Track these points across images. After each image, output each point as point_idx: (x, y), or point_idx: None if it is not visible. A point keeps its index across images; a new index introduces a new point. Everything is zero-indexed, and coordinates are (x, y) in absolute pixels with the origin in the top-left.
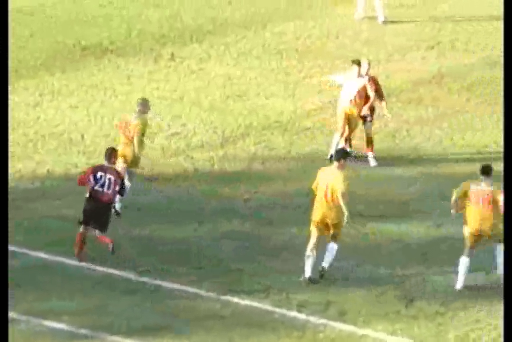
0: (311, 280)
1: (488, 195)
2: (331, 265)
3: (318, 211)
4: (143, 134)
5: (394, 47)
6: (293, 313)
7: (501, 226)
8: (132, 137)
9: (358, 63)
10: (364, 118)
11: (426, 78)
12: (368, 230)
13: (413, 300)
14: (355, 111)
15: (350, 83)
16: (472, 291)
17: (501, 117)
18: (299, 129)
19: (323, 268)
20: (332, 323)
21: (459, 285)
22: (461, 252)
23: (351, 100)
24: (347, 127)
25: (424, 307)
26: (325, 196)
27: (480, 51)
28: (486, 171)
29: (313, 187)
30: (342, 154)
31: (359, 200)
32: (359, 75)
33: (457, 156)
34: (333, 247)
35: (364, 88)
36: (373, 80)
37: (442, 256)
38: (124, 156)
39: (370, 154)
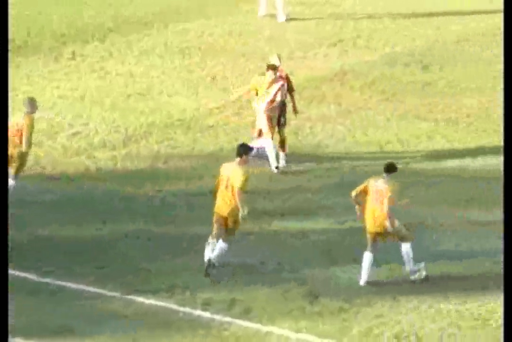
0: (207, 270)
1: (382, 192)
2: (218, 261)
3: (218, 204)
4: (30, 134)
5: (296, 45)
6: (198, 312)
7: (396, 224)
8: (20, 137)
9: (274, 67)
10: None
11: (329, 75)
12: (272, 227)
13: (317, 296)
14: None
15: (269, 89)
16: (376, 287)
17: (404, 114)
18: (202, 127)
19: (209, 259)
20: (237, 321)
21: (362, 280)
22: (365, 248)
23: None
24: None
25: (328, 304)
26: (225, 190)
27: (381, 49)
28: (388, 168)
29: (216, 182)
30: (244, 150)
31: (263, 196)
32: (276, 80)
33: (360, 153)
34: (221, 245)
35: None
36: (286, 78)
37: (346, 252)
38: (11, 156)
39: (282, 155)
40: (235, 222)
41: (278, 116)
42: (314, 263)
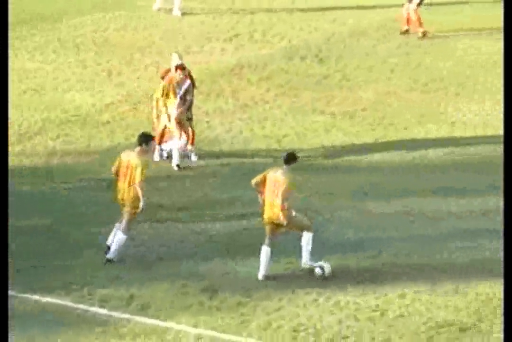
0: (108, 261)
1: (278, 183)
2: (116, 253)
3: (118, 192)
4: None
5: (193, 39)
6: (95, 309)
7: (293, 214)
8: None
9: (182, 68)
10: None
11: (225, 69)
12: (170, 222)
13: (216, 291)
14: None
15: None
16: (275, 280)
17: (301, 107)
18: (98, 123)
19: (108, 246)
20: (135, 318)
21: (260, 274)
22: (263, 242)
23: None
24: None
25: (227, 298)
26: (124, 178)
27: (278, 42)
28: (286, 159)
29: (113, 169)
30: (144, 140)
31: (160, 192)
32: (184, 80)
33: (258, 146)
34: (119, 236)
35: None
36: (189, 75)
37: (244, 247)
38: None
39: (192, 148)
40: (131, 212)
41: (187, 115)
42: (213, 257)
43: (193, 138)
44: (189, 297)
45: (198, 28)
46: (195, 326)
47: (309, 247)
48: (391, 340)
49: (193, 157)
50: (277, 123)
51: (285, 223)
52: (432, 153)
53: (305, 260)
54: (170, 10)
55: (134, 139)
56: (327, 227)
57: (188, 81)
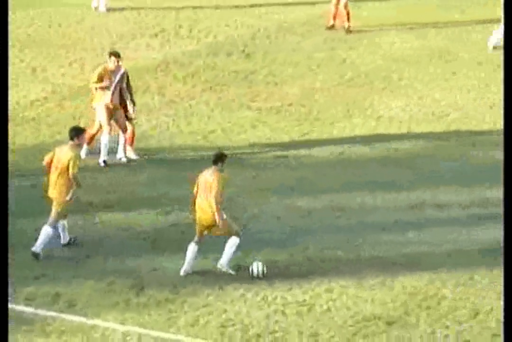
0: (34, 255)
1: (209, 184)
2: (41, 246)
3: (48, 186)
4: None
5: (118, 35)
6: (21, 307)
7: (224, 218)
8: None
9: (117, 54)
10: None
11: (151, 66)
12: (97, 219)
13: (143, 288)
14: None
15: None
16: (202, 276)
17: (227, 103)
18: (23, 120)
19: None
20: (62, 315)
21: (182, 270)
22: (190, 238)
23: (113, 94)
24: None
25: (154, 295)
26: (55, 171)
27: (204, 38)
28: (214, 159)
29: (45, 161)
30: (76, 133)
31: (86, 189)
32: (118, 68)
33: (184, 142)
34: (46, 229)
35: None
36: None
37: (172, 243)
38: None
39: (130, 148)
40: (58, 206)
41: (124, 109)
42: (140, 254)
43: (132, 139)
44: (116, 294)
45: (123, 25)
46: (123, 323)
47: (231, 251)
48: (318, 334)
49: (133, 156)
50: (204, 119)
51: (220, 224)
52: (358, 148)
53: (223, 262)
54: (95, 6)
55: (60, 137)
56: (255, 222)
57: (123, 70)
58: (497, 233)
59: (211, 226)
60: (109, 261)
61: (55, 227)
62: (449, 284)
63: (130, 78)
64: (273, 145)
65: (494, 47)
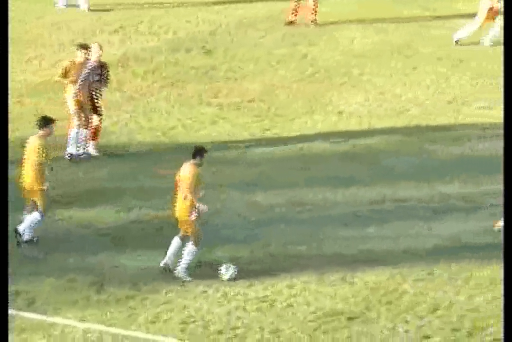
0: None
1: (184, 177)
2: (31, 234)
3: (22, 177)
4: None
5: (78, 32)
6: None
7: (192, 217)
8: None
9: (86, 47)
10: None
11: (112, 62)
12: (58, 216)
13: (104, 285)
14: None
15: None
16: (164, 273)
17: (187, 99)
18: None
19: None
20: (21, 313)
21: (162, 262)
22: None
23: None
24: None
25: (115, 292)
26: (26, 162)
27: (164, 34)
28: (193, 152)
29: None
30: (45, 122)
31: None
32: (86, 61)
33: (145, 138)
34: (34, 215)
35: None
36: (105, 68)
37: (133, 239)
38: None
39: (92, 144)
40: (38, 194)
41: (92, 103)
42: (101, 251)
43: (95, 134)
44: (77, 291)
45: (83, 21)
46: (83, 320)
47: (189, 258)
48: (279, 330)
49: (92, 151)
50: (164, 115)
51: (191, 220)
52: (319, 144)
53: (180, 269)
54: (54, 3)
55: (19, 133)
56: (217, 218)
57: (90, 64)
58: (456, 227)
59: (181, 221)
60: (70, 258)
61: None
62: (409, 279)
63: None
64: (234, 142)
65: (457, 42)
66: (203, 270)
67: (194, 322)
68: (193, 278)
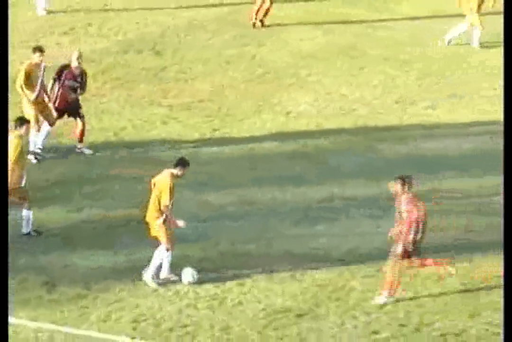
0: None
1: (159, 184)
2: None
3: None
4: None
5: (28, 33)
6: None
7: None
8: None
9: (41, 50)
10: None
11: (62, 63)
12: (10, 216)
13: (55, 284)
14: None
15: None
16: (115, 272)
17: (138, 100)
18: None
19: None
20: None
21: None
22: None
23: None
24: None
25: (66, 291)
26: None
27: (114, 36)
28: (175, 162)
29: None
30: (19, 123)
31: None
32: (41, 62)
33: (96, 139)
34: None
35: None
36: (84, 74)
37: (84, 239)
38: None
39: (80, 145)
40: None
41: (73, 108)
42: (52, 251)
43: (82, 135)
44: (28, 291)
45: (33, 22)
46: (34, 320)
47: (156, 262)
48: (230, 327)
49: (87, 151)
50: (115, 116)
51: (156, 227)
52: (268, 144)
53: (147, 275)
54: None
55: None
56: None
57: (43, 64)
58: None
59: (151, 226)
60: (21, 258)
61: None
62: (358, 276)
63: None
64: (184, 142)
65: (449, 42)
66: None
67: (145, 320)
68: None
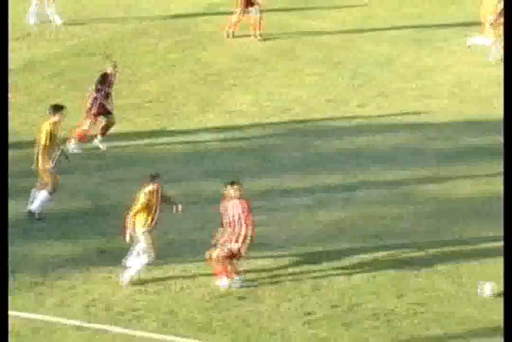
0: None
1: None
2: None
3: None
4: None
5: None
6: None
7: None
8: None
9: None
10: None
11: (19, 66)
12: None
13: (14, 272)
14: None
15: None
16: (69, 261)
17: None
18: None
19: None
20: None
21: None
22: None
23: None
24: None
25: (24, 279)
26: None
27: (69, 40)
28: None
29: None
30: (53, 109)
31: None
32: None
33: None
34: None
35: None
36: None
37: (40, 230)
38: None
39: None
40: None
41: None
42: (11, 240)
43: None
44: None
45: None
46: None
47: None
48: (176, 311)
49: (101, 146)
50: (70, 116)
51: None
52: (212, 140)
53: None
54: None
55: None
56: (118, 209)
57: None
58: (337, 215)
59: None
60: None
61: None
62: (293, 262)
63: None
64: (134, 139)
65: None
66: (106, 256)
67: (97, 305)
68: (97, 264)
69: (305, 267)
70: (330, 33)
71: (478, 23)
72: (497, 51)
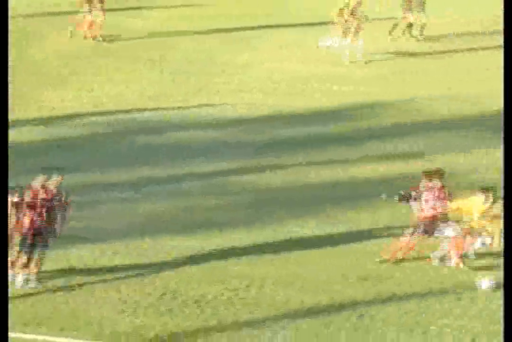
0: None
1: None
2: None
3: None
4: None
5: None
6: None
7: None
8: None
9: None
10: None
11: None
12: None
13: None
14: None
15: None
16: None
17: None
18: None
19: None
20: None
21: None
22: None
23: None
24: None
25: None
26: None
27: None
28: None
29: None
30: None
31: None
32: None
33: None
34: None
35: None
36: None
37: None
38: None
39: None
40: None
41: None
42: None
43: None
44: None
45: None
46: None
47: None
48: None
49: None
50: None
51: None
52: (37, 135)
53: None
54: None
55: None
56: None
57: None
58: (160, 207)
59: None
60: None
61: None
62: (116, 255)
63: None
64: None
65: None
66: None
67: None
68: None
69: (129, 260)
70: (153, 32)
71: (326, 23)
72: (358, 51)
